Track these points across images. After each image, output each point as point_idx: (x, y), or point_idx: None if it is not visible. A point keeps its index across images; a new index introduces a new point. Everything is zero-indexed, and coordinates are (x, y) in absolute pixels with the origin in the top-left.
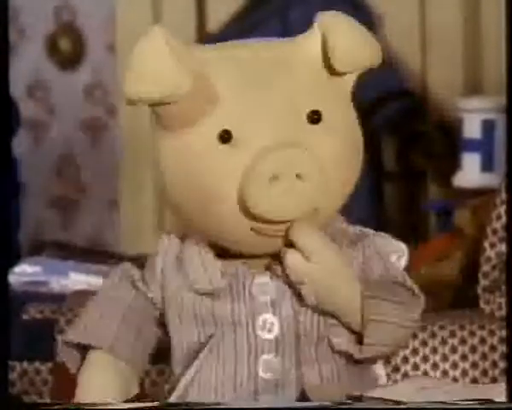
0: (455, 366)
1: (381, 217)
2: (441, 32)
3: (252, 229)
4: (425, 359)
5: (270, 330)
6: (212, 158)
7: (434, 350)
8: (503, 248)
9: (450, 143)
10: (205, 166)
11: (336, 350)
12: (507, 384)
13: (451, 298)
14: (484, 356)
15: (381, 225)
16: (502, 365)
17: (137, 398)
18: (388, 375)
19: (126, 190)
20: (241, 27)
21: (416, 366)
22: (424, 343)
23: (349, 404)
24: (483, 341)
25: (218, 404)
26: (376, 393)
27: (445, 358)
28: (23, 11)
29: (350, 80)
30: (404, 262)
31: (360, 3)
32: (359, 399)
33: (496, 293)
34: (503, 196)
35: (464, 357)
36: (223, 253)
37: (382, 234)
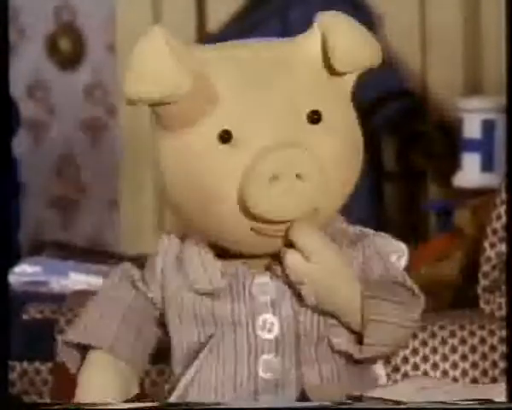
0: (455, 366)
1: (381, 217)
2: (441, 32)
3: (252, 229)
4: (425, 359)
5: (270, 330)
6: (212, 158)
7: (434, 350)
8: (503, 248)
9: (450, 143)
10: (205, 166)
11: (336, 350)
12: (507, 384)
13: (451, 298)
14: (484, 356)
15: (381, 225)
16: (502, 365)
17: (137, 398)
18: (388, 375)
19: (126, 190)
20: (241, 27)
21: (416, 366)
22: (424, 343)
23: (349, 404)
24: (483, 341)
25: (218, 404)
26: (376, 393)
27: (445, 358)
28: (23, 11)
29: (350, 80)
30: (404, 262)
31: (360, 3)
32: (359, 399)
33: (496, 293)
34: (503, 196)
35: (464, 357)
36: (223, 253)
37: (382, 234)
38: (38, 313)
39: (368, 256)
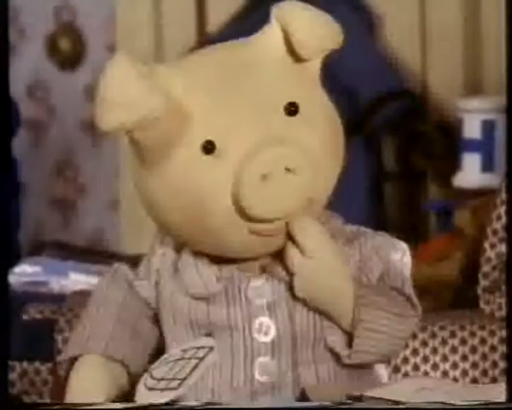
0: (455, 366)
1: (381, 217)
2: (441, 32)
3: (251, 232)
4: (425, 359)
5: (266, 333)
6: (199, 171)
7: (435, 351)
8: (503, 248)
9: (450, 143)
10: (192, 181)
11: (330, 348)
12: (507, 384)
13: (451, 298)
14: (484, 356)
15: (381, 225)
16: (502, 365)
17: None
18: (388, 375)
19: (126, 190)
20: (241, 27)
21: (416, 367)
22: (424, 344)
23: (349, 404)
24: (483, 341)
25: (218, 404)
26: (376, 393)
27: (445, 358)
28: (23, 11)
29: (316, 65)
30: (407, 259)
31: (360, 3)
32: (359, 399)
33: (496, 293)
34: (504, 196)
35: (464, 357)
36: (217, 257)
37: (382, 233)
38: (38, 313)
39: (366, 255)
